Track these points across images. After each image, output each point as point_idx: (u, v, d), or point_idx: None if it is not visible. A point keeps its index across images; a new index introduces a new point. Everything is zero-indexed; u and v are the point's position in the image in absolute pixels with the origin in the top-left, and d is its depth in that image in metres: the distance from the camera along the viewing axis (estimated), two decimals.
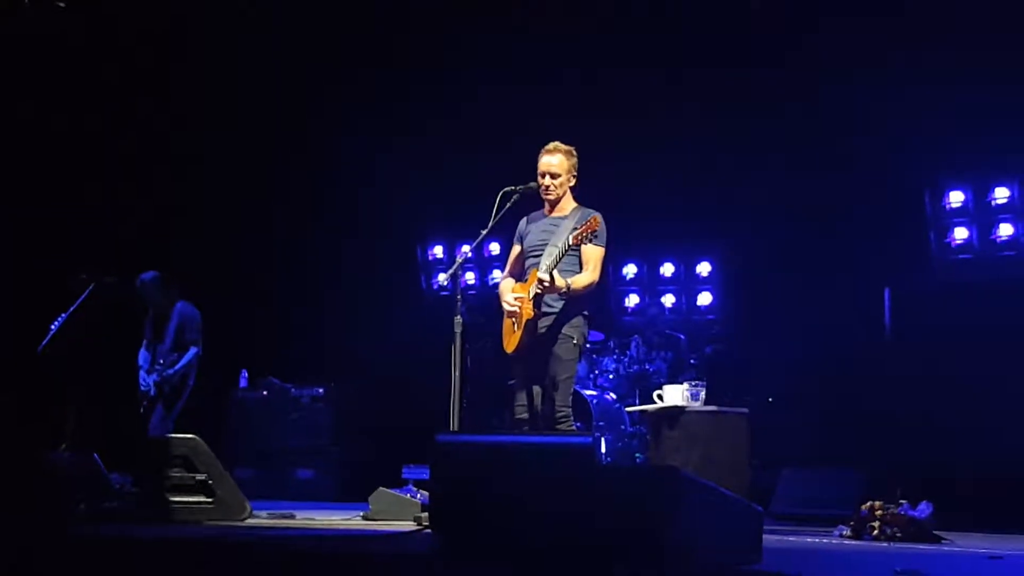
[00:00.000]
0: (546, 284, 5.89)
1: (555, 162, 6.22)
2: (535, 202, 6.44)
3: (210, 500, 6.34)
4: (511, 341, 6.19)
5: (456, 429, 5.98)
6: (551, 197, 6.27)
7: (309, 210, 11.17)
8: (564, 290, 5.97)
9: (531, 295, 6.05)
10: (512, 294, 6.22)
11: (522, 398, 6.21)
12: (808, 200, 9.66)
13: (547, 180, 6.23)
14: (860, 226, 9.51)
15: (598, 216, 5.94)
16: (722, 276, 10.91)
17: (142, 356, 8.73)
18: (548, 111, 9.64)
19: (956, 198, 9.23)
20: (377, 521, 6.69)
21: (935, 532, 5.81)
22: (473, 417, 9.73)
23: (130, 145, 10.63)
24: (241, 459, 10.31)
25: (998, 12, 8.54)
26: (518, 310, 6.10)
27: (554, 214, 6.31)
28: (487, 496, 4.11)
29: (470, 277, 10.99)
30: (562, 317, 6.13)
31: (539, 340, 6.11)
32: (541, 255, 6.16)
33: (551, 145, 6.26)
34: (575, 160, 6.29)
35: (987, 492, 7.47)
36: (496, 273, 10.86)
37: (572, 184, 6.32)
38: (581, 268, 6.14)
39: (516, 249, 6.44)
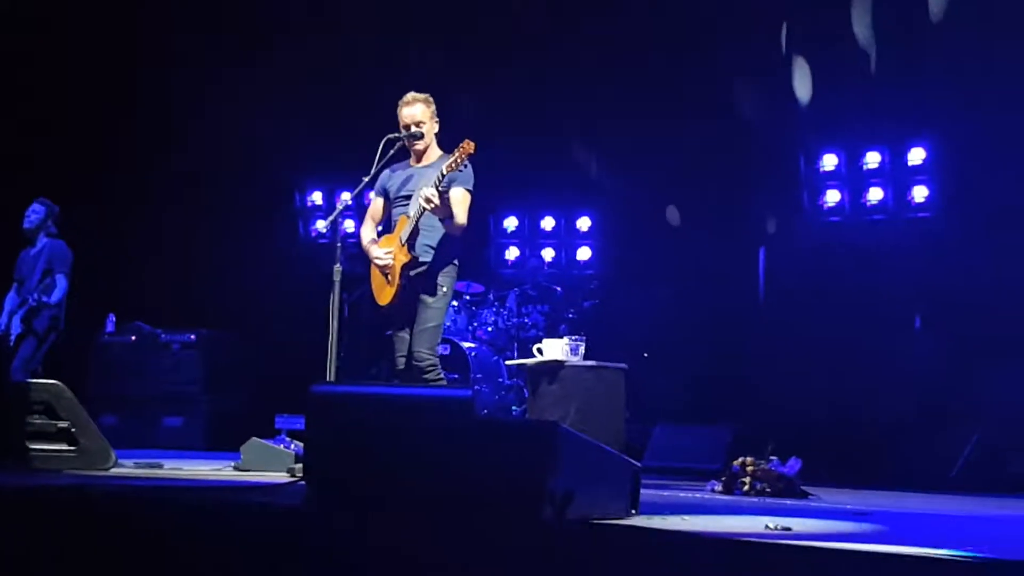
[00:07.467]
0: (434, 203, 5.80)
1: (417, 112, 6.20)
2: None
3: (73, 448, 6.12)
4: (385, 293, 6.20)
5: (333, 379, 5.91)
6: (420, 147, 6.25)
7: (184, 151, 10.82)
8: (437, 208, 5.85)
9: (403, 240, 6.05)
10: (380, 248, 6.19)
11: (401, 347, 6.19)
12: (688, 160, 9.76)
13: (413, 131, 6.20)
14: (737, 187, 9.65)
15: (471, 141, 5.87)
16: (601, 231, 10.99)
17: (9, 298, 8.47)
18: (427, 61, 9.52)
19: (829, 161, 9.43)
20: (249, 472, 6.56)
21: (803, 488, 5.96)
22: (350, 367, 9.62)
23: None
24: (106, 406, 10.01)
25: None
26: (391, 262, 6.08)
27: (421, 164, 6.28)
28: (364, 448, 4.04)
29: (350, 225, 10.82)
30: (433, 266, 6.15)
31: (411, 289, 6.12)
32: (408, 204, 6.13)
33: (408, 96, 6.24)
34: (434, 106, 6.27)
35: (852, 449, 7.69)
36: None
37: (436, 131, 6.30)
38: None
39: (379, 201, 6.41)
